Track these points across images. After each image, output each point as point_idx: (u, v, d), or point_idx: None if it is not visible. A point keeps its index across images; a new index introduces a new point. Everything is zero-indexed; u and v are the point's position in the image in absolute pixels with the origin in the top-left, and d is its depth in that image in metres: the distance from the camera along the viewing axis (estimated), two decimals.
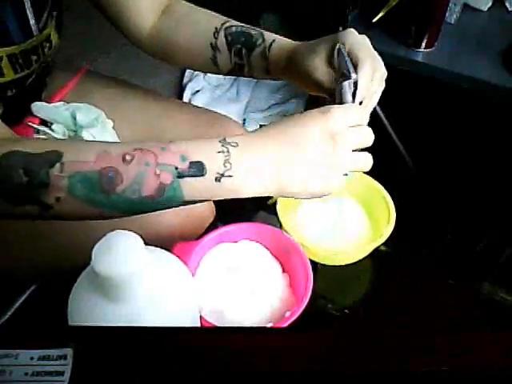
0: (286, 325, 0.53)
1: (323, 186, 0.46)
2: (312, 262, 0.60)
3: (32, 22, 0.59)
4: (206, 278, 0.60)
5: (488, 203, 0.82)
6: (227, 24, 0.63)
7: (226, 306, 0.57)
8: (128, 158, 0.43)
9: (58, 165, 0.42)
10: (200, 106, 1.08)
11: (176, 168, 0.43)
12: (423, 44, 1.01)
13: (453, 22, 1.07)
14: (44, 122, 0.71)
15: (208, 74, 1.39)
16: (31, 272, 0.68)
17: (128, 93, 0.79)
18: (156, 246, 0.44)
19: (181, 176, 0.43)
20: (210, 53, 0.64)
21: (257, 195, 0.46)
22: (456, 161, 1.08)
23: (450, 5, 1.00)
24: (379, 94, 0.55)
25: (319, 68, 0.56)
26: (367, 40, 0.55)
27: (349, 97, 0.51)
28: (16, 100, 0.66)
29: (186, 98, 1.35)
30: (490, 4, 1.12)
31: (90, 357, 0.33)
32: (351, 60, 0.52)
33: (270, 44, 0.61)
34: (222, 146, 0.44)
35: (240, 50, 0.62)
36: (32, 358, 0.32)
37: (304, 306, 0.55)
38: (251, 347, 0.34)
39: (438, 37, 1.01)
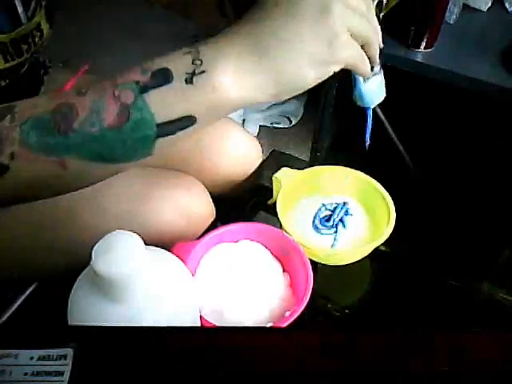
0: (285, 325, 0.53)
1: (330, 42, 0.37)
2: (312, 261, 0.60)
3: (20, 10, 0.59)
4: (205, 278, 0.60)
5: (488, 203, 0.82)
6: None
7: (225, 306, 0.57)
8: (83, 90, 0.37)
9: (8, 117, 0.37)
10: None
11: (137, 82, 0.36)
12: (423, 44, 1.01)
13: (452, 22, 1.07)
14: None
15: None
16: (31, 272, 0.68)
17: None
18: (156, 245, 0.44)
19: (144, 90, 0.36)
20: (217, 5, 0.60)
21: (250, 97, 0.37)
22: (456, 161, 1.08)
23: (449, 5, 1.00)
24: None
25: None
26: None
27: None
28: (13, 97, 0.66)
29: None
30: (490, 4, 1.12)
31: (90, 357, 0.33)
32: None
33: None
34: (190, 47, 0.37)
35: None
36: (32, 358, 0.32)
37: (304, 306, 0.55)
38: (251, 347, 0.34)
39: (437, 37, 1.01)
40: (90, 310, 0.39)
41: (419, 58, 1.02)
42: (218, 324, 0.54)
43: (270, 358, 0.33)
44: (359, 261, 0.65)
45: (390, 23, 1.04)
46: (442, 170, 1.00)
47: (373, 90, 0.49)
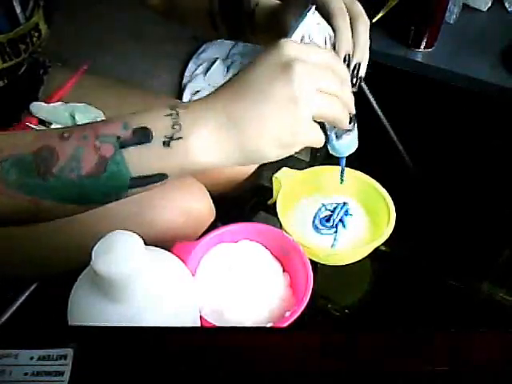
0: (285, 325, 0.53)
1: (293, 131, 0.40)
2: (312, 261, 0.60)
3: (18, 10, 0.59)
4: (205, 278, 0.60)
5: (488, 203, 0.82)
6: None
7: (225, 306, 0.57)
8: (66, 134, 0.38)
9: None
10: None
11: (118, 137, 0.38)
12: (423, 44, 1.01)
13: (452, 22, 1.07)
14: (42, 122, 0.71)
15: (208, 75, 1.39)
16: (31, 272, 0.68)
17: (127, 93, 0.79)
18: (156, 245, 0.44)
19: (123, 145, 0.38)
20: (208, 19, 0.63)
21: (219, 163, 0.41)
22: (456, 160, 1.07)
23: (449, 5, 1.00)
24: (367, 48, 0.48)
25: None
26: None
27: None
28: (12, 97, 0.66)
29: (185, 98, 1.35)
30: (490, 4, 1.12)
31: (90, 357, 0.33)
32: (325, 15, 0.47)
33: (256, 4, 0.59)
34: (171, 109, 0.40)
35: (228, 13, 0.61)
36: (32, 358, 0.32)
37: (304, 306, 0.55)
38: (251, 347, 0.34)
39: (437, 37, 1.01)
40: (90, 310, 0.39)
41: (419, 58, 1.02)
42: (218, 324, 0.54)
43: (270, 358, 0.33)
44: (359, 261, 0.65)
45: (390, 23, 1.04)
46: (442, 170, 1.00)
47: (345, 145, 0.52)
